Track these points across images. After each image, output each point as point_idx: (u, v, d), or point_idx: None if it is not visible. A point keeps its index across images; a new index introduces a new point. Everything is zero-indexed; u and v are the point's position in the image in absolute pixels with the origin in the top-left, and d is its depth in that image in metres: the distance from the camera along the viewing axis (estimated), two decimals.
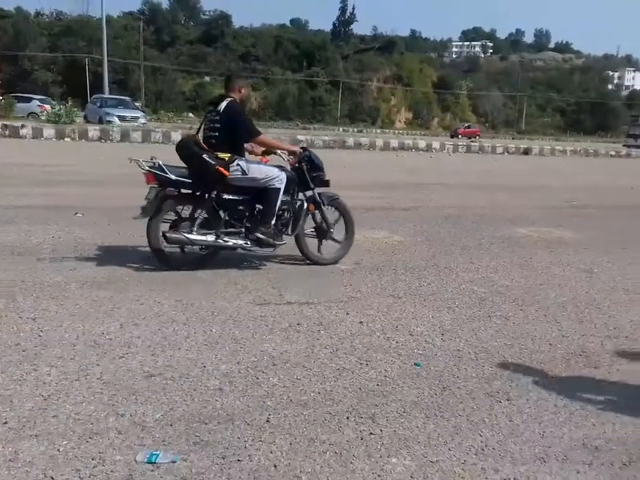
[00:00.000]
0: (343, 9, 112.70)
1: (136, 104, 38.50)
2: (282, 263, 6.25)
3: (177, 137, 27.01)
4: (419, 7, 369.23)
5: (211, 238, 5.70)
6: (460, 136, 56.87)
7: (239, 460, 2.66)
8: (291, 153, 6.17)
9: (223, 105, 5.71)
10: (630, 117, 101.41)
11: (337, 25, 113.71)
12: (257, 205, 5.91)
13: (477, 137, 57.38)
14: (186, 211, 5.78)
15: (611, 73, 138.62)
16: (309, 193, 6.23)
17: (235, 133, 5.71)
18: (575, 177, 19.97)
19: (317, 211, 6.29)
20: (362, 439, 2.88)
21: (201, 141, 5.72)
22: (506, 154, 34.39)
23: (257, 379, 3.46)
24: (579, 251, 7.55)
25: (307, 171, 6.07)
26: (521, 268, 6.54)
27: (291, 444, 2.80)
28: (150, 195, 5.58)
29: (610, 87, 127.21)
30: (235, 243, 5.81)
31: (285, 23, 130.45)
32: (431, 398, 3.35)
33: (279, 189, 5.79)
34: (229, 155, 5.60)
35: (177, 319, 4.38)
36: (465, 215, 10.02)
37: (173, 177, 5.52)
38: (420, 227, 8.72)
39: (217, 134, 5.70)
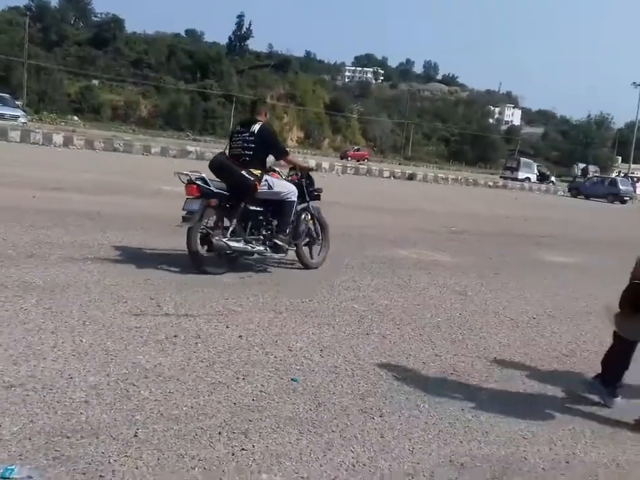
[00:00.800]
0: (239, 24, 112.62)
1: (16, 102, 36.58)
2: (165, 270, 6.07)
3: (58, 139, 26.00)
4: (314, 29, 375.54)
5: (242, 245, 6.38)
6: (349, 158, 58.02)
7: (101, 476, 2.52)
8: (302, 169, 7.19)
9: (256, 127, 6.52)
10: (507, 150, 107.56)
11: (232, 39, 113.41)
12: (268, 215, 6.73)
13: (366, 160, 58.76)
14: (210, 221, 6.33)
15: (492, 108, 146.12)
16: (301, 205, 7.03)
17: (267, 152, 6.63)
18: (455, 204, 20.81)
19: (312, 221, 7.22)
20: (233, 454, 2.81)
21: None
22: (392, 178, 35.41)
23: (127, 391, 3.32)
24: (455, 274, 7.84)
25: (305, 186, 7.00)
26: (400, 288, 6.69)
27: (158, 459, 2.69)
28: (189, 206, 6.15)
29: (491, 121, 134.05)
30: (257, 249, 6.53)
31: (179, 32, 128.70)
32: (305, 413, 3.33)
33: (294, 201, 6.71)
34: (260, 171, 6.45)
35: (45, 327, 4.14)
36: (350, 235, 10.17)
37: (215, 190, 6.22)
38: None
39: (250, 152, 6.48)
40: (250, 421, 3.16)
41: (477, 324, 5.62)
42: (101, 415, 3.02)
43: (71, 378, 3.40)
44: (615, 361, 4.13)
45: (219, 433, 2.98)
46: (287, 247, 6.68)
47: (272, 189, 6.55)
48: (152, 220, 9.24)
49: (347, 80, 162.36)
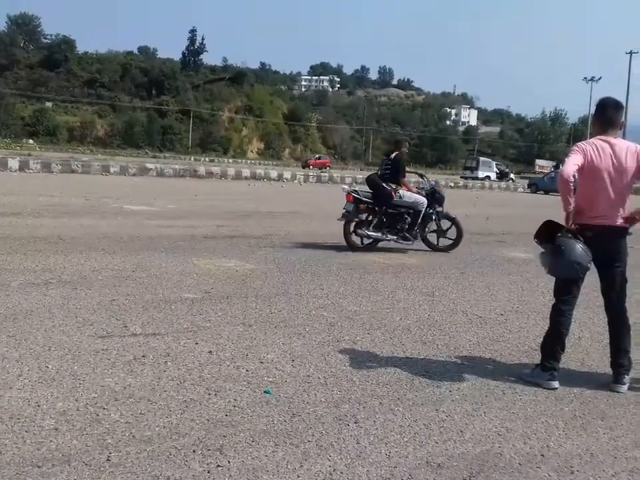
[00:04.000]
0: (192, 39, 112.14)
1: None
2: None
3: (13, 163, 25.64)
4: (268, 40, 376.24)
5: (379, 234, 9.69)
6: (311, 167, 58.21)
7: None
8: (409, 189, 10.10)
9: (393, 156, 10.00)
10: (466, 151, 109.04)
11: (186, 54, 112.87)
12: (403, 216, 9.85)
13: (328, 168, 59.05)
14: (360, 218, 9.74)
15: (448, 110, 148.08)
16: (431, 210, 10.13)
17: (399, 173, 9.89)
18: None
19: (436, 220, 10.29)
20: (209, 472, 2.77)
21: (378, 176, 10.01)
22: (354, 184, 35.54)
23: (97, 415, 3.25)
24: (422, 276, 7.89)
25: (433, 198, 10.06)
26: (368, 293, 6.71)
27: None
28: (347, 207, 9.63)
29: (448, 122, 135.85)
30: (390, 238, 9.70)
31: (132, 50, 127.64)
32: (280, 425, 3.30)
33: (421, 211, 9.81)
34: (395, 186, 9.77)
35: (9, 355, 4.05)
36: (314, 242, 10.18)
37: (363, 197, 9.63)
38: (272, 255, 8.74)
39: (388, 172, 9.87)
40: (224, 436, 3.12)
41: (446, 324, 5.66)
42: (72, 441, 2.95)
43: (38, 406, 3.33)
44: (546, 335, 4.34)
45: (194, 451, 2.94)
46: (412, 239, 9.76)
47: (402, 199, 9.72)
48: (114, 240, 9.12)
49: (303, 89, 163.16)
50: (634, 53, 65.22)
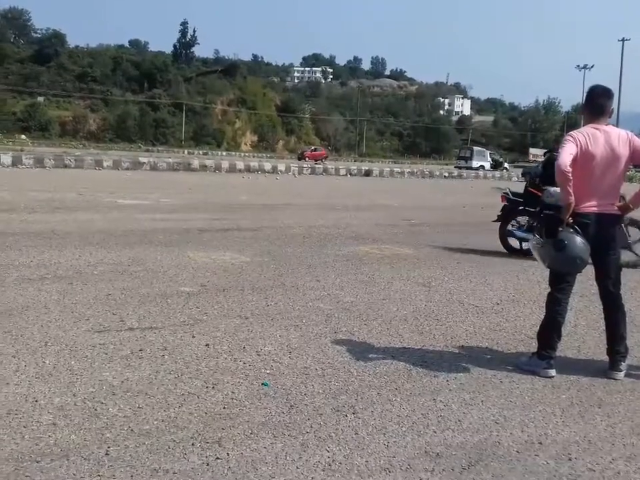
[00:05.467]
0: (183, 32, 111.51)
1: None
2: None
3: (6, 159, 25.55)
4: (260, 32, 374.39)
5: (529, 236, 8.49)
6: (307, 159, 58.02)
7: None
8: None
9: (545, 157, 9.81)
10: (460, 140, 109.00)
11: (178, 47, 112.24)
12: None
13: (324, 160, 58.86)
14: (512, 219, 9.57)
15: (442, 100, 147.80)
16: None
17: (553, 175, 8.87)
18: (413, 197, 21.01)
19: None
20: (208, 464, 2.77)
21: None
22: (349, 175, 35.61)
23: (95, 410, 3.25)
24: (418, 266, 7.90)
25: None
26: (364, 284, 6.71)
27: (132, 476, 2.64)
28: (503, 209, 9.44)
29: (442, 112, 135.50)
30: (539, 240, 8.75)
31: (123, 43, 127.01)
32: (278, 417, 3.30)
33: None
34: (544, 187, 8.61)
35: (5, 351, 4.03)
36: (311, 234, 10.18)
37: (514, 198, 9.39)
38: (267, 247, 8.73)
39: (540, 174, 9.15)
40: (223, 429, 3.12)
41: (443, 314, 5.66)
42: (70, 436, 2.95)
43: (36, 401, 3.32)
44: (543, 324, 4.36)
45: (192, 444, 2.94)
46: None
47: (552, 197, 8.34)
48: (109, 234, 9.09)
49: (296, 81, 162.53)
50: (626, 40, 65.29)
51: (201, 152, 64.79)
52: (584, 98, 4.48)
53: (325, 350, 4.47)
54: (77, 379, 3.67)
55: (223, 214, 12.59)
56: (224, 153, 67.45)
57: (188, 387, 3.66)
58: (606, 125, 4.27)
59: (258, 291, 6.16)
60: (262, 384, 3.75)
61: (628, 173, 4.36)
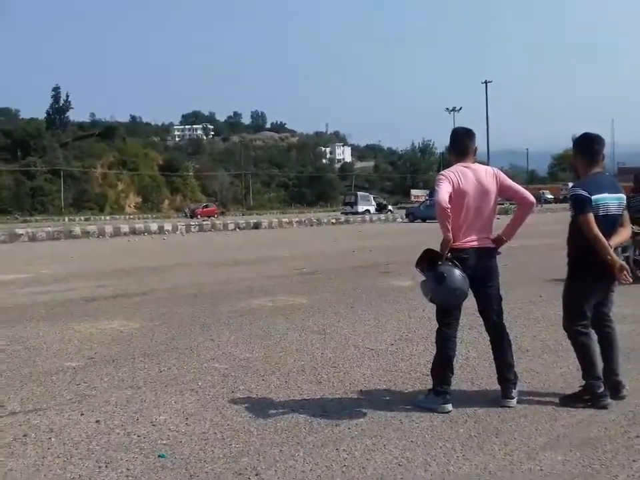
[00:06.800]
0: (56, 97, 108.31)
1: None
2: None
3: None
4: (137, 92, 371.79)
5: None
6: (199, 216, 57.48)
7: None
8: None
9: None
10: (344, 187, 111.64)
11: (51, 113, 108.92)
12: None
13: (216, 216, 58.60)
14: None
15: (323, 149, 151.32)
16: None
17: None
18: (303, 246, 21.14)
19: None
20: None
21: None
22: (238, 230, 35.50)
23: None
24: (312, 315, 7.90)
25: None
26: (260, 338, 6.62)
27: None
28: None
29: (324, 161, 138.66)
30: None
31: None
32: None
33: None
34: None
35: None
36: (202, 293, 10.00)
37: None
38: (157, 311, 8.48)
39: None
40: None
41: (340, 360, 5.66)
42: None
43: None
44: (435, 360, 4.43)
45: None
46: None
47: None
48: None
49: (177, 139, 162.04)
50: (488, 82, 69.70)
51: (82, 218, 62.84)
52: (449, 140, 4.68)
53: (223, 412, 4.34)
54: None
55: (108, 280, 12.15)
56: (107, 217, 65.78)
57: (78, 469, 3.43)
58: (472, 162, 4.49)
59: (150, 357, 5.94)
60: (158, 456, 3.58)
61: (504, 207, 4.57)
